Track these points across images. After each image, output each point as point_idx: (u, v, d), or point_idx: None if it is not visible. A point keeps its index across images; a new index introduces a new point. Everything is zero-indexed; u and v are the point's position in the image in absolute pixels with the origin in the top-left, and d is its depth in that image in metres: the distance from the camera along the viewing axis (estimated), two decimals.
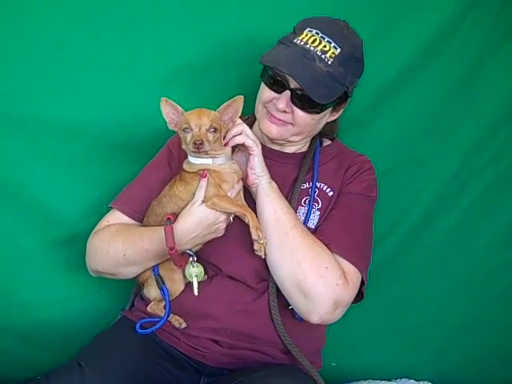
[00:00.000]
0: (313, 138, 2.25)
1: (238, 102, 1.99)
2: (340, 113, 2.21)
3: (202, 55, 2.44)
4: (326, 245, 2.04)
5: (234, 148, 2.06)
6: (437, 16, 2.53)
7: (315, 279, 1.97)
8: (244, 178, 2.08)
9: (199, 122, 1.94)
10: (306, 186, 2.18)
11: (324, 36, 2.00)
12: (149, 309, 2.13)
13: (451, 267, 2.76)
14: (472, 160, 2.67)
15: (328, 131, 2.30)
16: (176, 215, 2.03)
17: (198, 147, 1.92)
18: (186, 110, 1.99)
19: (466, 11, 2.54)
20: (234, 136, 2.01)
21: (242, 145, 2.03)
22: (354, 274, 2.04)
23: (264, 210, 2.04)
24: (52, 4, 2.32)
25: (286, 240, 2.01)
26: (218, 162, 2.02)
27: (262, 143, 2.11)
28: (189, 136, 1.96)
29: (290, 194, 2.15)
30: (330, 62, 1.98)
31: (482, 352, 2.83)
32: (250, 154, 2.03)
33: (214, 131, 1.95)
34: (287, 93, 2.02)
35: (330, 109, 2.13)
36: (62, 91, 2.38)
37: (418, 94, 2.60)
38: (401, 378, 2.82)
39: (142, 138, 2.45)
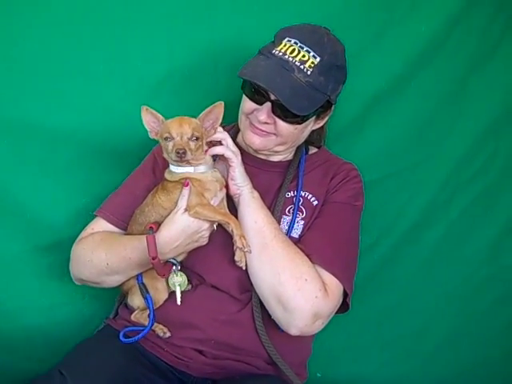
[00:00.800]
0: (298, 146, 2.23)
1: (219, 108, 1.98)
2: (325, 120, 2.19)
3: (190, 62, 2.43)
4: (308, 256, 2.01)
5: (215, 156, 2.05)
6: (426, 27, 2.53)
7: (293, 291, 1.95)
8: (226, 188, 2.07)
9: (180, 130, 1.92)
10: (291, 194, 2.17)
11: (303, 46, 1.97)
12: (133, 317, 2.11)
13: (439, 278, 2.75)
14: (460, 171, 2.68)
15: (315, 139, 2.29)
16: (159, 224, 2.01)
17: (181, 156, 1.90)
18: (167, 118, 1.98)
19: (456, 23, 2.55)
20: (214, 145, 2.00)
21: (222, 155, 2.01)
22: (335, 286, 2.01)
23: (245, 220, 2.03)
24: (40, 9, 2.30)
25: (266, 250, 1.99)
26: (199, 170, 2.00)
27: (246, 152, 2.11)
28: (170, 145, 1.93)
29: (274, 203, 2.13)
30: (309, 72, 1.96)
31: (469, 363, 2.82)
32: (229, 166, 2.02)
33: (196, 139, 1.93)
34: (268, 104, 2.00)
35: (314, 118, 2.10)
36: (48, 97, 2.36)
37: (407, 105, 2.60)
38: None
39: (128, 145, 2.43)
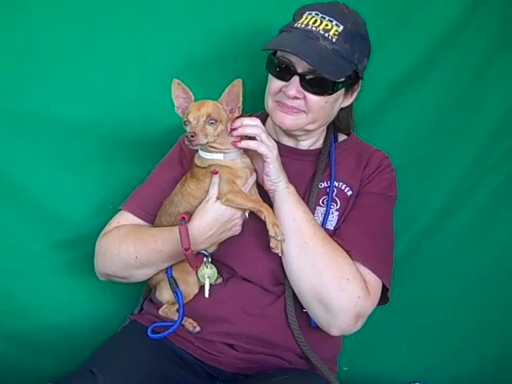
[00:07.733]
0: (327, 133, 2.19)
1: (237, 86, 1.92)
2: (354, 97, 2.14)
3: (210, 50, 2.40)
4: (347, 251, 1.97)
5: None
6: (448, 11, 2.49)
7: (337, 293, 1.91)
8: (260, 183, 2.01)
9: (197, 114, 1.88)
10: (324, 185, 2.12)
11: (324, 16, 1.95)
12: (161, 312, 2.07)
13: (465, 266, 2.71)
14: (485, 156, 2.64)
15: (344, 125, 2.25)
16: (190, 214, 1.96)
17: (190, 141, 1.85)
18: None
19: (477, 5, 2.51)
20: (249, 139, 1.93)
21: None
22: (375, 284, 1.99)
23: (282, 218, 1.96)
24: (58, 1, 2.27)
25: (307, 249, 1.94)
26: (229, 157, 1.95)
27: (275, 140, 2.02)
28: (188, 129, 1.89)
29: (308, 194, 2.09)
30: (334, 40, 1.93)
31: (497, 354, 2.78)
32: (264, 161, 1.94)
33: (214, 123, 1.88)
34: (296, 78, 1.96)
35: (343, 91, 2.06)
36: (67, 89, 2.33)
37: (429, 90, 2.56)
38: (414, 382, 2.76)
39: (148, 137, 2.40)
